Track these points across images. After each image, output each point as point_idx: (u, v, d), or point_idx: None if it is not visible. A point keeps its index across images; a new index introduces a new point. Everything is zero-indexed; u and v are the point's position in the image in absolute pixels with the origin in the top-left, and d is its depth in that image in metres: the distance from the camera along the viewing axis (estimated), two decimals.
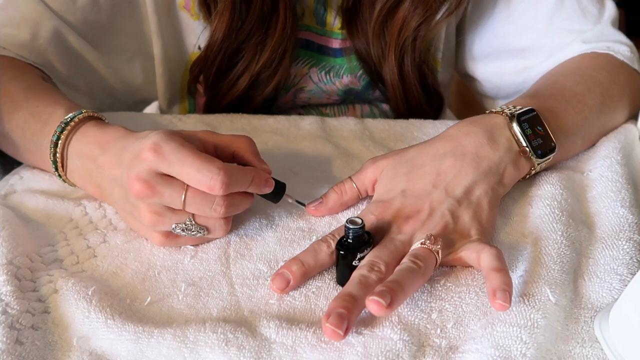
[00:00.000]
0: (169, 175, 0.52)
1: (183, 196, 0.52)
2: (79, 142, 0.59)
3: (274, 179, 0.57)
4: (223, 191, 0.52)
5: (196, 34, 0.79)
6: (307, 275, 0.53)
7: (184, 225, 0.54)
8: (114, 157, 0.56)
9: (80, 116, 0.60)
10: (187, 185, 0.52)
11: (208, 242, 0.58)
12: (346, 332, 0.47)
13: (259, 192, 0.56)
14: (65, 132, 0.59)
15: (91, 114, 0.61)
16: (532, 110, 0.62)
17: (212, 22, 0.74)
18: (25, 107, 0.64)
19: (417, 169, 0.59)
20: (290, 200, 0.60)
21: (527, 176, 0.62)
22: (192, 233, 0.55)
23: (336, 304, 0.48)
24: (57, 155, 0.60)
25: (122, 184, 0.55)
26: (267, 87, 0.79)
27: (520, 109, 0.62)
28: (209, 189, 0.52)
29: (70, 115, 0.60)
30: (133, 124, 0.61)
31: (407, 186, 0.58)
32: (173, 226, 0.54)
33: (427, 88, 0.84)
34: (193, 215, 0.54)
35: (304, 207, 0.60)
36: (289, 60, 0.78)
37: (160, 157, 0.52)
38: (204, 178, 0.51)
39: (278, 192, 0.58)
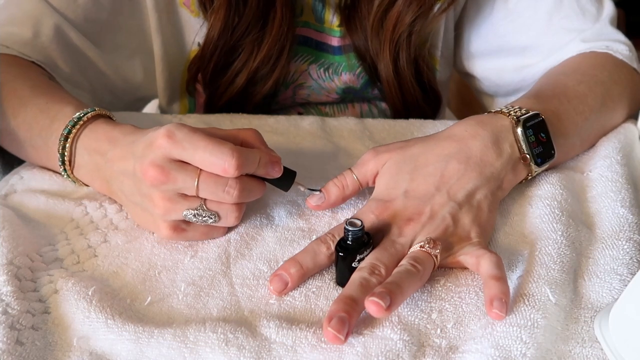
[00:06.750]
0: (182, 162, 0.53)
1: (196, 181, 0.53)
2: (88, 138, 0.60)
3: (284, 167, 0.57)
4: (237, 172, 0.52)
5: (196, 30, 0.79)
6: (305, 277, 0.53)
7: (195, 211, 0.55)
8: (124, 150, 0.57)
9: (93, 113, 0.61)
10: (200, 170, 0.53)
11: (213, 238, 0.58)
12: (346, 337, 0.47)
13: (267, 174, 0.56)
14: (76, 127, 0.60)
15: (101, 112, 0.62)
16: (538, 115, 0.61)
17: (208, 20, 0.75)
18: (33, 103, 0.64)
19: (421, 169, 0.58)
20: (302, 189, 0.59)
21: (523, 181, 0.62)
22: (204, 219, 0.55)
23: (338, 307, 0.48)
24: (66, 149, 0.60)
25: (133, 175, 0.55)
26: (266, 84, 0.79)
27: (527, 113, 0.61)
28: (222, 171, 0.52)
29: (82, 111, 0.61)
30: (133, 123, 0.61)
31: (409, 186, 0.57)
32: (185, 212, 0.54)
33: (424, 84, 0.84)
34: (205, 200, 0.55)
35: (317, 193, 0.59)
36: (287, 57, 0.78)
37: (174, 142, 0.52)
38: (218, 160, 0.52)
39: (288, 179, 0.58)
